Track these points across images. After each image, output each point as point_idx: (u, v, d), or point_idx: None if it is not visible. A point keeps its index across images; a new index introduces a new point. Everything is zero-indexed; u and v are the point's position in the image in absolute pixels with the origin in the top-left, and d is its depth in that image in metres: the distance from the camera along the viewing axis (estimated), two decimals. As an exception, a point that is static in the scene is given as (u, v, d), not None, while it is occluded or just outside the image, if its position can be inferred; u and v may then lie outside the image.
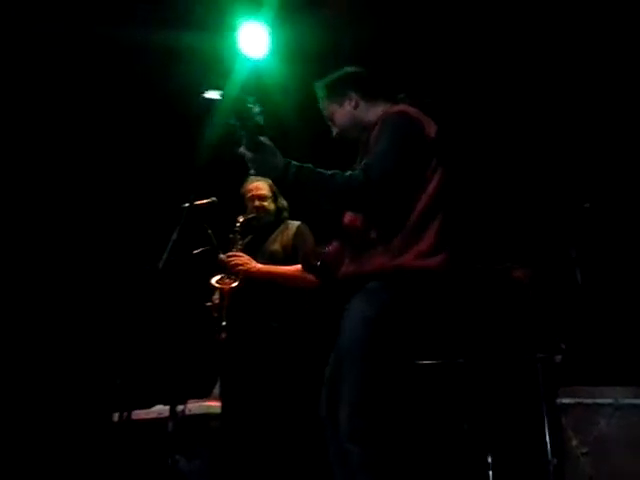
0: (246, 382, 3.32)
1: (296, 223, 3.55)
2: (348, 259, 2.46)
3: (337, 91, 2.63)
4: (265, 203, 3.56)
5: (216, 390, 3.72)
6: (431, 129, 2.45)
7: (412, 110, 2.46)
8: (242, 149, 2.32)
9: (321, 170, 2.32)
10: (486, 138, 4.67)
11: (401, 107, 2.49)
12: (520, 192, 4.61)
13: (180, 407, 3.45)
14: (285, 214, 3.62)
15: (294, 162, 2.31)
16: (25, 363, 4.82)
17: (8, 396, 4.70)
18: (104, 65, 4.72)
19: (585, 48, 4.34)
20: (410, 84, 2.66)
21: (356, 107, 2.60)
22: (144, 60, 4.62)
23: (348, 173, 2.32)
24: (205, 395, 3.67)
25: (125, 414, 3.28)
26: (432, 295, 2.36)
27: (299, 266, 3.30)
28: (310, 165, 2.33)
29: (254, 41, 4.51)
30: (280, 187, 2.48)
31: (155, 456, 3.49)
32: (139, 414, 3.58)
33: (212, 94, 2.48)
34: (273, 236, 3.55)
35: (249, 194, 3.58)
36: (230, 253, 3.40)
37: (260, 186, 3.56)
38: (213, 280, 3.38)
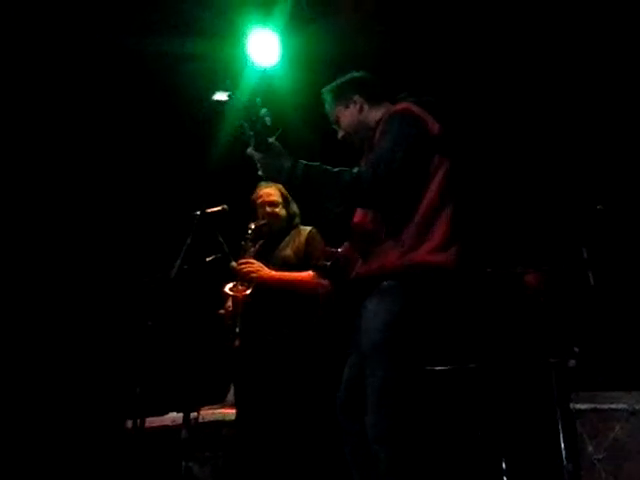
0: (260, 389, 3.32)
1: (308, 228, 3.55)
2: (359, 260, 2.47)
3: (342, 95, 2.70)
4: (276, 209, 3.55)
5: (229, 397, 3.73)
6: (434, 126, 2.48)
7: (415, 107, 2.50)
8: (251, 150, 2.35)
9: (328, 167, 2.35)
10: (497, 139, 4.66)
11: (404, 105, 2.53)
12: (532, 195, 4.59)
13: (193, 414, 3.46)
14: (297, 220, 3.61)
15: (302, 161, 2.34)
16: (40, 370, 4.85)
17: (21, 403, 4.73)
18: (115, 72, 4.75)
19: (602, 46, 4.31)
20: (414, 87, 2.67)
21: (361, 110, 2.66)
22: (154, 67, 4.65)
23: (355, 169, 2.36)
24: (218, 402, 3.68)
25: (139, 421, 3.30)
26: (445, 291, 2.38)
27: (311, 272, 3.31)
28: (318, 163, 2.35)
29: (264, 49, 4.52)
30: (289, 186, 2.50)
31: (168, 463, 3.50)
32: (153, 421, 3.60)
33: (221, 95, 2.49)
34: (285, 242, 3.55)
35: (260, 200, 3.57)
36: (242, 260, 3.39)
37: (271, 192, 3.55)
38: (226, 288, 3.38)
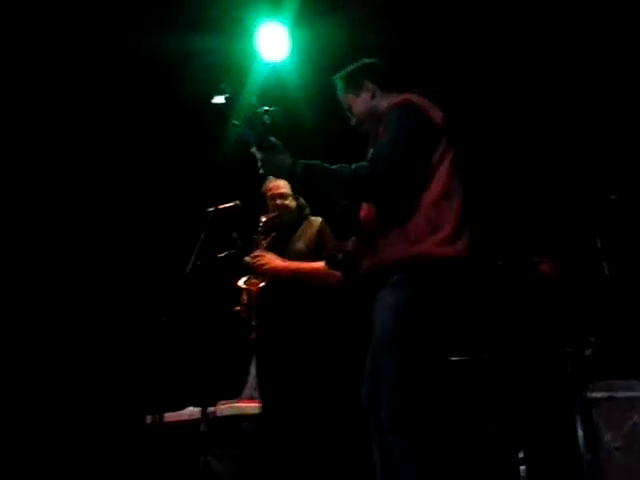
0: (282, 381, 3.33)
1: (318, 219, 3.53)
2: (367, 253, 2.48)
3: (354, 82, 2.69)
4: (286, 201, 3.56)
5: (247, 391, 3.75)
6: (437, 115, 2.47)
7: (415, 97, 2.50)
8: (253, 149, 2.37)
9: (327, 165, 2.37)
10: (511, 129, 4.64)
11: (404, 96, 2.53)
12: (546, 184, 4.58)
13: (211, 409, 3.48)
14: (307, 211, 3.60)
15: (301, 160, 2.36)
16: (58, 368, 4.90)
17: (40, 400, 4.78)
18: (123, 69, 4.77)
19: (622, 33, 4.29)
20: (424, 74, 2.68)
21: (373, 97, 2.66)
22: (162, 64, 4.65)
23: (354, 166, 2.37)
24: (235, 396, 3.70)
25: (157, 417, 3.33)
26: (455, 283, 2.39)
27: (323, 263, 3.30)
28: (318, 161, 2.37)
29: (273, 43, 4.52)
30: (290, 184, 2.53)
31: (187, 458, 3.52)
32: (171, 416, 3.62)
33: (218, 99, 2.51)
34: (297, 234, 3.55)
35: (269, 193, 3.58)
36: (254, 253, 3.42)
37: (280, 184, 3.55)
38: (240, 282, 3.40)
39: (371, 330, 2.44)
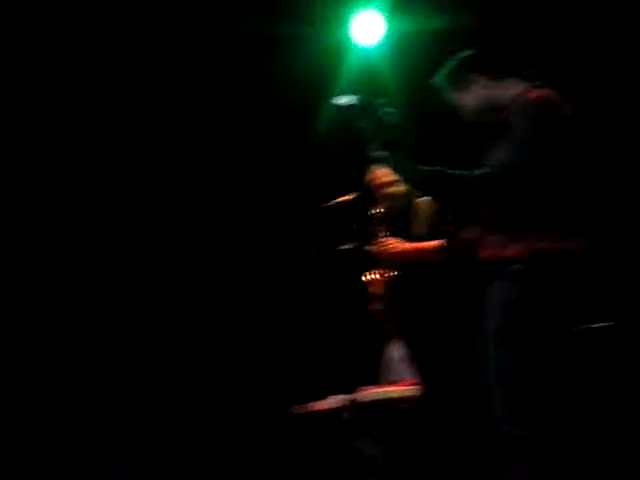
0: (436, 364, 3.39)
1: (427, 200, 3.48)
2: (487, 243, 2.49)
3: (460, 77, 2.63)
4: (394, 188, 3.54)
5: (389, 375, 3.82)
6: (568, 112, 2.43)
7: (552, 95, 2.44)
8: (373, 151, 2.42)
9: (451, 172, 2.38)
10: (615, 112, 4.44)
11: (540, 92, 2.46)
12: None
13: (354, 395, 3.60)
14: (416, 194, 3.54)
15: (424, 166, 2.39)
16: (205, 359, 5.12)
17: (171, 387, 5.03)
18: (221, 59, 4.83)
19: None
20: (528, 58, 2.63)
21: (482, 89, 2.59)
22: (257, 52, 4.70)
23: (478, 172, 2.38)
24: (376, 382, 3.79)
25: (302, 407, 3.50)
26: (575, 278, 2.37)
27: (440, 241, 3.26)
28: (440, 167, 2.40)
29: (368, 29, 4.51)
30: (413, 187, 2.56)
31: (338, 445, 3.65)
32: (316, 405, 3.76)
33: (344, 99, 2.56)
34: (411, 218, 3.56)
35: (376, 182, 3.57)
36: (375, 243, 3.46)
37: (385, 172, 3.50)
38: (368, 275, 3.48)
39: (481, 319, 2.47)
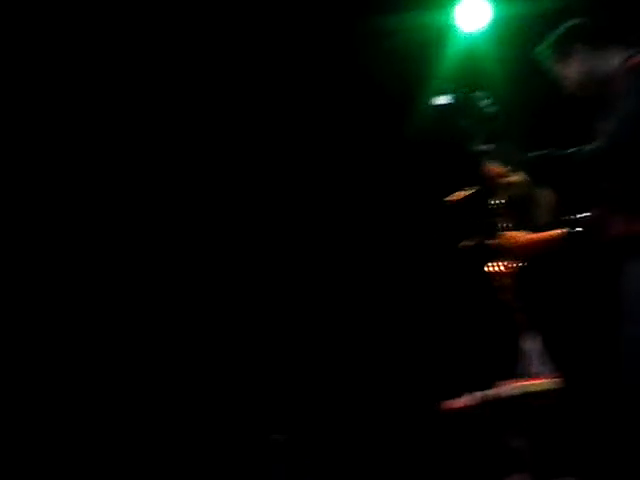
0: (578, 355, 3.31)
1: (544, 190, 3.37)
2: (617, 220, 2.40)
3: (563, 48, 2.58)
4: (509, 179, 3.42)
5: (529, 368, 3.74)
6: None
7: None
8: (478, 145, 2.42)
9: (558, 152, 2.32)
10: None
11: None
12: None
13: (493, 391, 3.56)
14: (533, 183, 3.53)
15: (531, 152, 2.35)
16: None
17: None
18: (323, 52, 4.93)
19: None
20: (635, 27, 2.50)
21: (586, 60, 2.53)
22: (359, 42, 4.76)
23: (587, 148, 2.29)
24: (514, 376, 3.72)
25: (443, 404, 3.52)
26: None
27: (563, 229, 3.18)
28: (546, 150, 2.35)
29: (472, 15, 4.44)
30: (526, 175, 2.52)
31: (480, 441, 3.63)
32: (455, 403, 3.75)
33: (442, 99, 2.59)
34: (532, 208, 3.48)
35: (491, 174, 3.44)
36: (498, 235, 3.42)
37: (498, 164, 3.37)
38: (490, 266, 3.46)
39: (614, 298, 2.37)
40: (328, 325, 5.27)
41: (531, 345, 3.58)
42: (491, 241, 3.51)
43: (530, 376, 3.66)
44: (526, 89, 3.95)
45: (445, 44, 4.48)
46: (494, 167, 3.54)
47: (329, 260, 5.34)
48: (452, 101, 2.57)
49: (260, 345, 5.23)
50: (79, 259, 5.31)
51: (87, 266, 5.33)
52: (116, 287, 5.31)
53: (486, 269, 3.47)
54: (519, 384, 3.65)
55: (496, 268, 3.46)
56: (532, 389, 3.55)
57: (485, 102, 2.40)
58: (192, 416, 5.10)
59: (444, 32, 4.47)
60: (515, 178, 3.51)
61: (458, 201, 3.52)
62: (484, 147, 2.44)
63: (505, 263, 3.43)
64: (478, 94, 2.43)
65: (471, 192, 3.52)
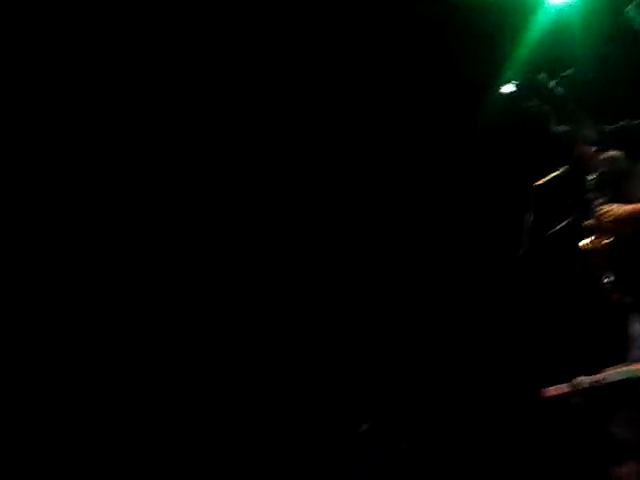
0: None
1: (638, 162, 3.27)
2: None
3: None
4: (605, 155, 3.35)
5: (630, 352, 3.58)
6: None
7: None
8: (553, 126, 2.35)
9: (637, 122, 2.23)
10: None
11: None
12: None
13: (597, 376, 3.43)
14: (626, 156, 3.36)
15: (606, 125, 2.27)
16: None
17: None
18: (403, 36, 4.93)
19: None
20: None
21: None
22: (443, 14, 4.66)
23: None
24: (620, 360, 3.57)
25: (549, 390, 3.43)
26: None
27: None
28: (625, 121, 2.25)
29: None
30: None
31: (586, 430, 3.52)
32: (560, 389, 3.64)
33: (508, 88, 2.55)
34: (627, 182, 3.32)
35: (580, 152, 3.36)
36: (594, 212, 3.29)
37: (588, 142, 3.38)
38: (587, 245, 3.33)
39: None
40: (418, 310, 5.24)
41: (637, 328, 3.43)
42: (586, 220, 3.39)
43: (637, 360, 3.51)
44: (614, 62, 3.77)
45: (534, 18, 4.36)
46: (581, 146, 3.42)
47: (421, 249, 5.30)
48: (520, 87, 2.51)
49: (350, 336, 5.26)
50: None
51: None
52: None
53: (582, 248, 3.34)
54: (624, 369, 3.52)
55: (593, 245, 3.33)
56: (639, 374, 3.41)
57: (552, 84, 2.32)
58: (283, 405, 5.20)
59: (533, 5, 4.36)
60: (607, 154, 3.39)
61: (547, 183, 3.41)
62: (562, 128, 2.34)
63: (603, 240, 3.30)
64: (543, 76, 2.34)
65: (558, 173, 3.41)
